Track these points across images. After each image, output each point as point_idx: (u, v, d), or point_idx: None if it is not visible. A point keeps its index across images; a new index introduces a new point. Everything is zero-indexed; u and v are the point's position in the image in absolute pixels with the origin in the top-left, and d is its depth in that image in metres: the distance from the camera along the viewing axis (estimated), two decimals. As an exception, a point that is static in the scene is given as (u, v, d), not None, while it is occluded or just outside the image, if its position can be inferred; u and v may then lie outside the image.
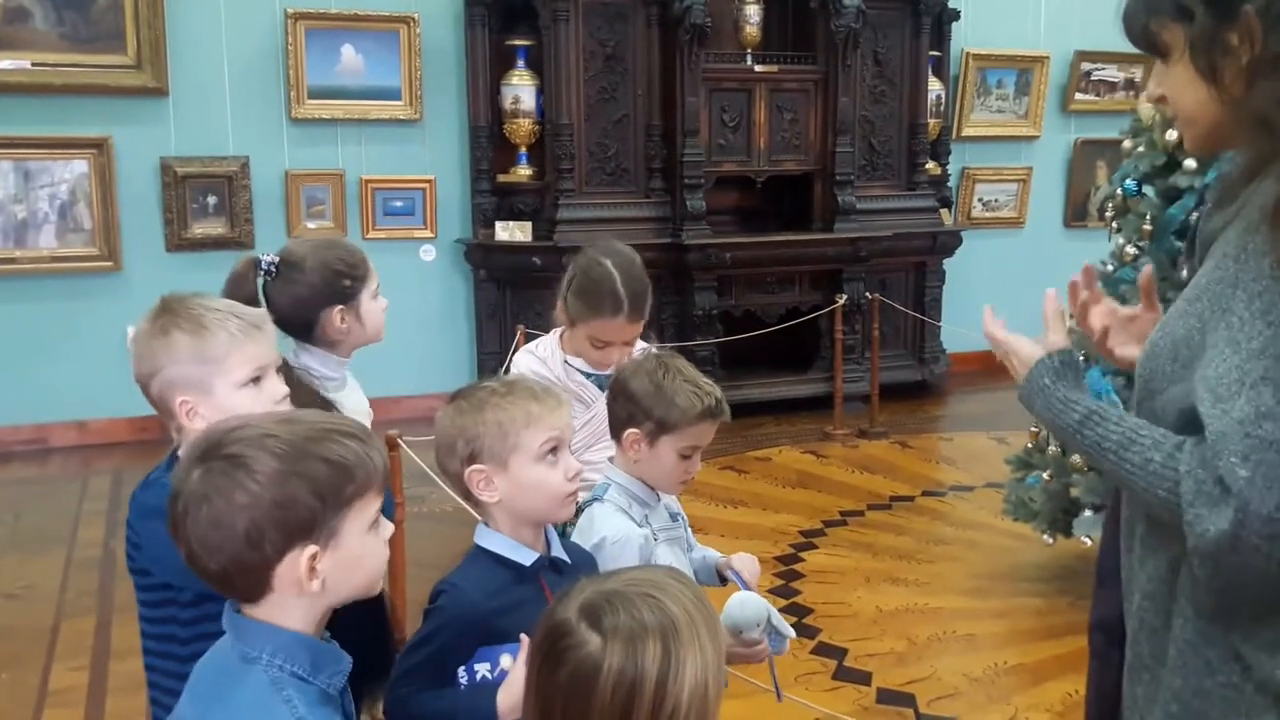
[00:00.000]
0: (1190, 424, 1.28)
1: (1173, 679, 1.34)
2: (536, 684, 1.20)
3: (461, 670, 1.63)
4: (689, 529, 2.17)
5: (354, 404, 2.25)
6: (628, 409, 1.99)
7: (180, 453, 1.74)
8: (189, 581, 1.66)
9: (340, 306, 2.20)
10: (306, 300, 2.20)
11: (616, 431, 2.02)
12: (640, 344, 2.46)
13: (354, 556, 1.27)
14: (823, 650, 3.55)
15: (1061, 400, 1.39)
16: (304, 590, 1.24)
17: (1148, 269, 1.60)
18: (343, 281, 2.21)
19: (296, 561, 1.22)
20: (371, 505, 1.28)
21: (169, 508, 1.26)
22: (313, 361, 2.23)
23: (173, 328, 1.69)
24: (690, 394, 1.98)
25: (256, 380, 1.71)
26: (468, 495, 1.71)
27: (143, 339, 1.71)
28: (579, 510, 2.01)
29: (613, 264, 2.41)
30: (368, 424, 2.14)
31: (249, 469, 1.21)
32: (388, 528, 1.33)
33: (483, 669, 1.62)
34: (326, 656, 1.28)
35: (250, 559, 1.22)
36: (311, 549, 1.23)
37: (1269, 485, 1.18)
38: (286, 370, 2.14)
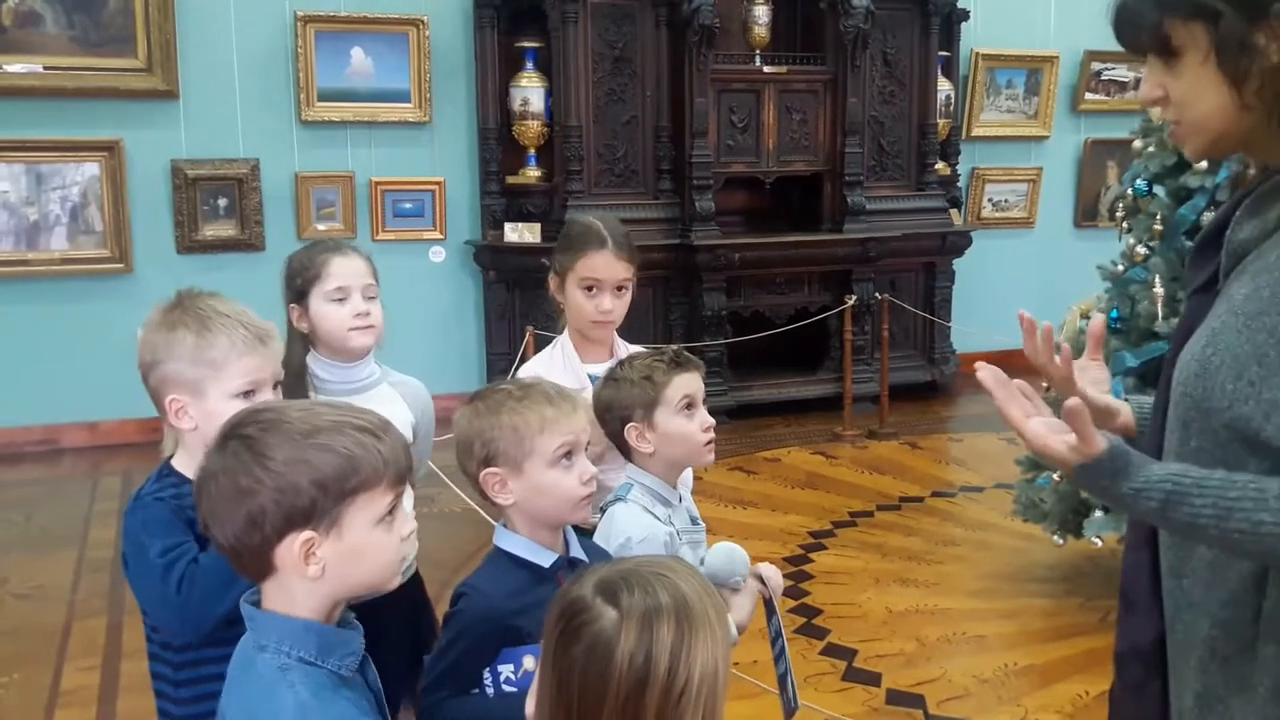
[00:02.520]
0: (1265, 445, 1.23)
1: (1267, 708, 1.28)
2: (553, 659, 1.22)
3: (486, 672, 1.63)
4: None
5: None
6: (616, 416, 2.01)
7: (173, 462, 1.75)
8: (153, 614, 1.69)
9: (295, 305, 2.24)
10: (284, 293, 2.27)
11: (622, 444, 2.02)
12: (634, 347, 2.43)
13: (358, 549, 1.29)
14: (832, 651, 3.54)
15: (1129, 496, 1.26)
16: (303, 574, 1.27)
17: (1099, 319, 1.54)
18: (295, 280, 2.25)
19: (293, 545, 1.26)
20: (379, 500, 1.30)
21: (194, 480, 1.32)
22: (315, 366, 2.24)
23: (179, 324, 1.70)
24: (648, 366, 2.01)
25: (250, 393, 1.70)
26: (484, 495, 1.72)
27: (149, 329, 1.73)
28: (601, 510, 2.01)
29: (592, 216, 2.54)
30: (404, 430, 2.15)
31: (257, 452, 1.26)
32: (406, 524, 1.35)
33: (506, 670, 1.63)
34: (334, 640, 1.31)
35: (252, 538, 1.27)
36: (307, 534, 1.26)
37: None
38: (299, 375, 2.16)
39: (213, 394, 1.69)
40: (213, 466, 1.29)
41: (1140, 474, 1.26)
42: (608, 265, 2.37)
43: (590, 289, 2.36)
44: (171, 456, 1.77)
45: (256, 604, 1.32)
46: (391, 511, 1.32)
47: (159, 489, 1.71)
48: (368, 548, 1.30)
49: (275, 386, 1.77)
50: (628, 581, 1.20)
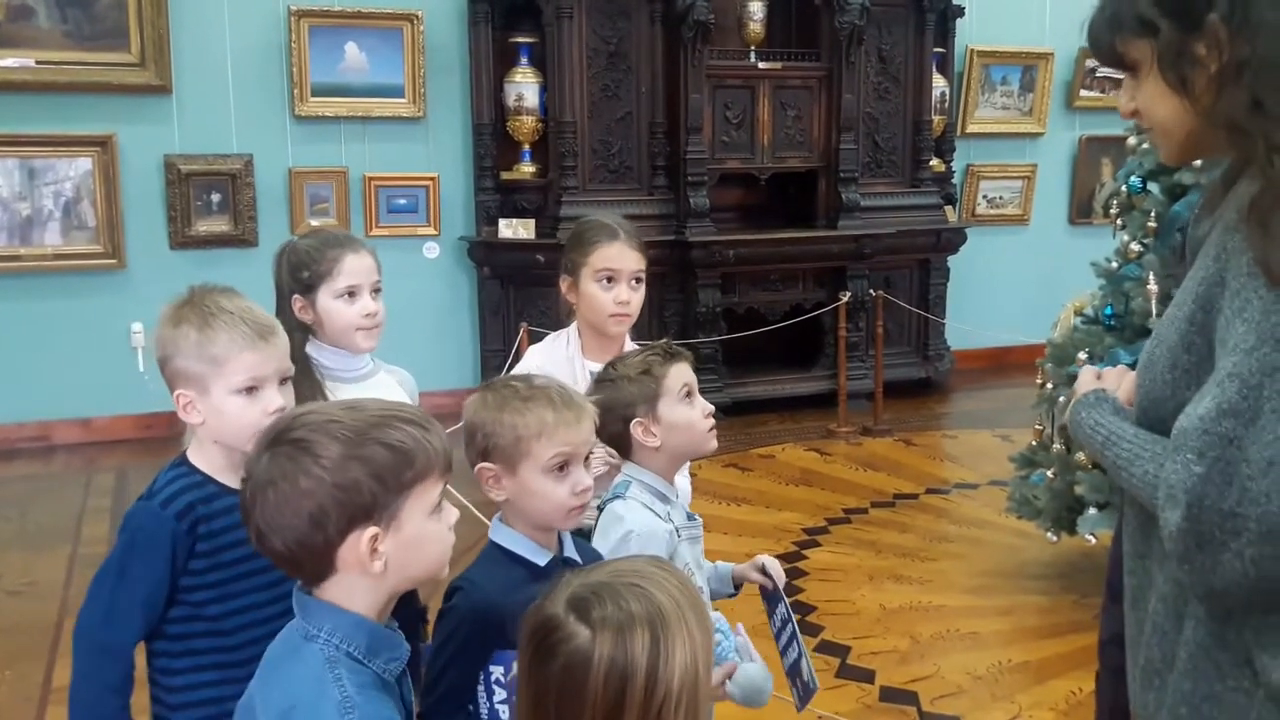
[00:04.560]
0: None
1: (1182, 682, 1.32)
2: (528, 678, 1.21)
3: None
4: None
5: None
6: (616, 416, 1.99)
7: (189, 453, 1.77)
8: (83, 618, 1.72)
9: (300, 298, 2.23)
10: (279, 283, 2.26)
11: (624, 443, 2.01)
12: (633, 344, 2.43)
13: (416, 540, 1.30)
14: (826, 648, 3.55)
15: (1091, 425, 1.42)
16: (367, 570, 1.27)
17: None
18: (301, 273, 2.23)
19: (358, 542, 1.26)
20: (432, 490, 1.31)
21: (240, 494, 1.31)
22: (319, 355, 2.24)
23: (184, 320, 1.72)
24: (644, 361, 2.01)
25: (253, 389, 1.72)
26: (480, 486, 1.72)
27: (161, 324, 1.75)
28: (599, 508, 2.00)
29: (596, 215, 2.56)
30: None
31: (312, 453, 1.25)
32: (452, 513, 1.36)
33: (497, 671, 1.61)
34: (384, 641, 1.31)
35: (314, 540, 1.26)
36: (372, 530, 1.26)
37: (1226, 481, 1.17)
38: (303, 364, 2.15)
39: (216, 390, 1.71)
40: (265, 475, 1.27)
41: (1108, 414, 1.42)
42: (622, 255, 2.38)
43: (608, 280, 2.36)
44: (184, 452, 1.79)
45: (308, 592, 1.31)
46: (439, 502, 1.33)
47: (171, 479, 1.73)
48: (425, 539, 1.31)
49: (283, 382, 1.77)
50: (598, 596, 1.19)
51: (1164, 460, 1.26)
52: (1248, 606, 1.24)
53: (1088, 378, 1.52)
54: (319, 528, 1.25)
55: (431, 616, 1.79)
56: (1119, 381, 1.47)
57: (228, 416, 1.70)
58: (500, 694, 1.62)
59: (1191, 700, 1.31)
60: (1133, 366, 1.47)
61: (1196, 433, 1.19)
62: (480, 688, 1.62)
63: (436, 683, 1.62)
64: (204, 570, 1.70)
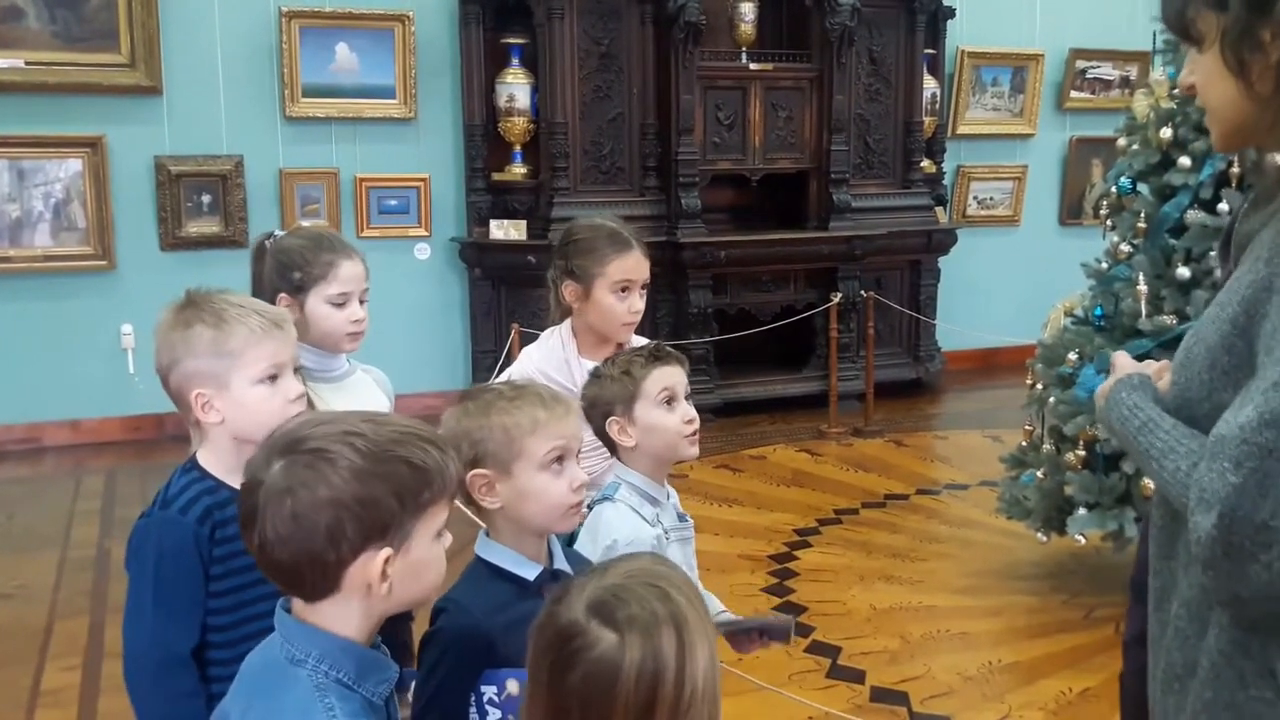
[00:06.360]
0: None
1: (1203, 690, 1.30)
2: (547, 691, 1.17)
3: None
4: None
5: (353, 405, 2.23)
6: (599, 412, 2.00)
7: (199, 457, 1.76)
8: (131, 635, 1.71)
9: (286, 296, 2.22)
10: (263, 280, 2.26)
11: (608, 440, 2.02)
12: (639, 338, 2.44)
13: (420, 563, 1.26)
14: (816, 649, 3.55)
15: (1131, 406, 1.39)
16: (373, 593, 1.23)
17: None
18: (292, 273, 2.23)
19: (370, 563, 1.21)
20: (441, 514, 1.27)
21: (241, 499, 1.26)
22: (299, 355, 2.23)
23: (195, 321, 1.72)
24: (628, 361, 2.01)
25: (273, 378, 1.73)
26: (469, 500, 1.67)
27: (164, 330, 1.74)
28: (588, 507, 2.00)
29: (595, 218, 2.56)
30: None
31: (334, 464, 1.20)
32: (448, 537, 1.32)
33: (489, 691, 1.57)
34: (372, 665, 1.26)
35: (326, 556, 1.20)
36: (387, 551, 1.22)
37: (1262, 493, 1.15)
38: None
39: (237, 383, 1.71)
40: (281, 482, 1.20)
41: (1148, 398, 1.39)
42: (638, 265, 2.41)
43: (624, 290, 2.39)
44: (194, 455, 1.78)
45: (288, 609, 1.27)
46: (444, 526, 1.30)
47: (185, 485, 1.72)
48: (429, 563, 1.27)
49: (296, 371, 1.79)
50: (619, 598, 1.15)
51: (1197, 461, 1.23)
52: (1270, 618, 1.23)
53: (1126, 360, 1.49)
54: (333, 543, 1.19)
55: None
56: (1160, 374, 1.44)
57: (250, 408, 1.70)
58: (494, 714, 1.58)
59: (1213, 708, 1.29)
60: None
61: (1235, 441, 1.17)
62: (472, 710, 1.58)
63: (427, 709, 1.57)
64: (220, 576, 1.69)
